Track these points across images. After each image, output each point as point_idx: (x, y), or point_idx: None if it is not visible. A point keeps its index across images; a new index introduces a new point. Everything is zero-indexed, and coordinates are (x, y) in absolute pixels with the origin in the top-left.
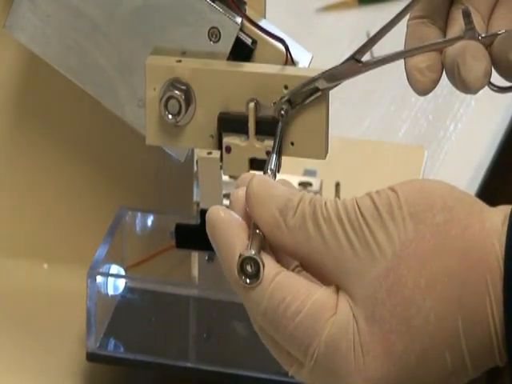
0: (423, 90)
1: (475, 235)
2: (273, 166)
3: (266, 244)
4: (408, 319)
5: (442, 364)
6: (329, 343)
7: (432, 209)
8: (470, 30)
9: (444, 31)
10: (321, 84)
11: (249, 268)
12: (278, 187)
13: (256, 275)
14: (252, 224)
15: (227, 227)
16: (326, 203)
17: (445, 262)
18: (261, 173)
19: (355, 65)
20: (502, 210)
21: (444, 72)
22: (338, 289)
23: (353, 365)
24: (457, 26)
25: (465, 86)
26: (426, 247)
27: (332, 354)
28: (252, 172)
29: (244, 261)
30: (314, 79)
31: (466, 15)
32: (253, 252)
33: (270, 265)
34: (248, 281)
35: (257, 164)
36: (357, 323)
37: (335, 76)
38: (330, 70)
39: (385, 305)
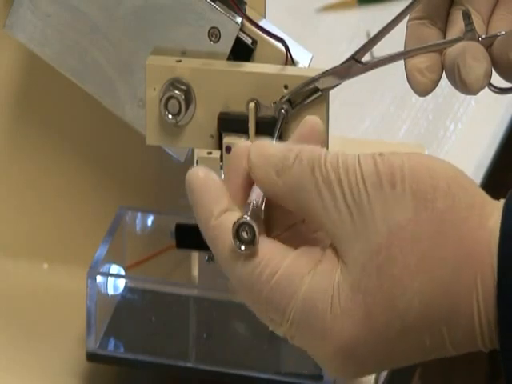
0: (423, 90)
1: (473, 229)
2: None
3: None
4: (392, 298)
5: (422, 344)
6: (305, 301)
7: (435, 191)
8: (470, 32)
9: (444, 32)
10: (321, 84)
11: (245, 234)
12: (275, 146)
13: (252, 241)
14: (252, 192)
15: (204, 190)
16: (325, 161)
17: (438, 249)
18: None
19: (355, 65)
20: (501, 205)
21: (444, 73)
22: (324, 248)
23: (329, 325)
24: (457, 27)
25: (465, 86)
26: (422, 231)
27: (308, 312)
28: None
29: (240, 226)
30: (314, 79)
31: (467, 16)
32: (248, 218)
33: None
34: (243, 247)
35: None
36: (339, 287)
37: (335, 76)
38: (330, 70)
39: (372, 278)
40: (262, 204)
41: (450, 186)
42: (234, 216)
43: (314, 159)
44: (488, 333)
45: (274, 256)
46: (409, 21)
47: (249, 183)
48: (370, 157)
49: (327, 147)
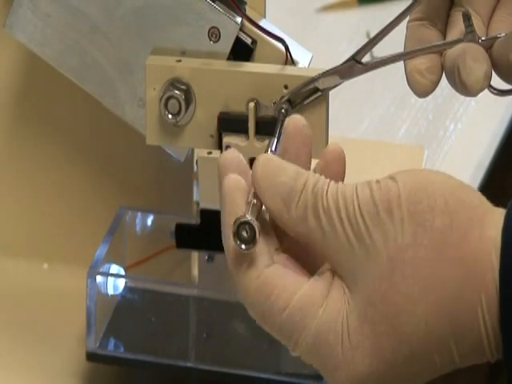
0: (423, 91)
1: (473, 244)
2: None
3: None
4: (398, 325)
5: (431, 364)
6: (317, 334)
7: (432, 210)
8: (470, 33)
9: (444, 33)
10: (321, 84)
11: (244, 233)
12: (283, 171)
13: (252, 240)
14: (251, 191)
15: (232, 199)
16: (327, 192)
17: (440, 270)
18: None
19: (355, 66)
20: (502, 213)
21: (444, 74)
22: (332, 275)
23: (340, 358)
24: (457, 28)
25: (465, 88)
26: (423, 254)
27: (319, 345)
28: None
29: (240, 226)
30: (313, 79)
31: (467, 18)
32: (248, 217)
33: (260, 256)
34: (243, 246)
35: None
36: (348, 318)
37: (335, 77)
38: (330, 70)
39: (377, 308)
40: (261, 205)
41: (447, 202)
42: (260, 246)
43: (318, 191)
44: (495, 344)
45: (286, 287)
46: (409, 22)
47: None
48: (367, 185)
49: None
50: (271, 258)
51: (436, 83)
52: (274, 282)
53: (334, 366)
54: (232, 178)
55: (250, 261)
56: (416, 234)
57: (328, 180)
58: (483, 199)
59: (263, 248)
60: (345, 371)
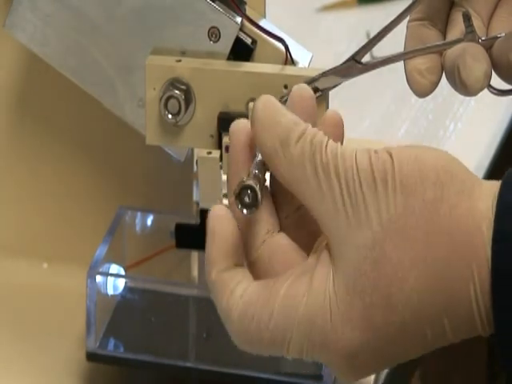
0: (423, 91)
1: (462, 216)
2: None
3: (264, 194)
4: (389, 295)
5: (423, 337)
6: (306, 323)
7: (423, 183)
8: (470, 33)
9: (444, 33)
10: (321, 84)
11: (247, 198)
12: (283, 114)
13: (254, 204)
14: (255, 154)
15: (217, 238)
16: (326, 147)
17: (431, 242)
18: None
19: (355, 66)
20: (494, 185)
21: (444, 74)
22: (320, 252)
23: (331, 335)
24: (457, 28)
25: (465, 87)
26: (414, 225)
27: (310, 330)
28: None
29: (242, 189)
30: (313, 79)
31: (467, 18)
32: (251, 181)
33: (237, 284)
34: (245, 211)
35: None
36: (335, 294)
37: (335, 76)
38: (330, 70)
39: (367, 277)
40: (264, 173)
41: (438, 175)
42: (236, 276)
43: (317, 143)
44: (487, 317)
45: (266, 302)
46: (409, 22)
47: (250, 157)
48: (366, 153)
49: None
50: (248, 278)
51: (436, 83)
52: (252, 304)
53: (325, 347)
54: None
55: (228, 291)
56: (407, 204)
57: (327, 137)
58: (472, 173)
59: (238, 273)
60: (336, 349)
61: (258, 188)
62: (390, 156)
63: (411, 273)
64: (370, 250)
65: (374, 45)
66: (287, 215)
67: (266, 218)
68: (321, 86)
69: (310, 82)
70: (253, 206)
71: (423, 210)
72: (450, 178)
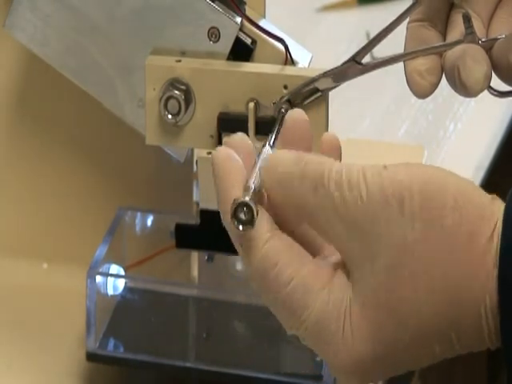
0: (423, 93)
1: (480, 244)
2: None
3: (263, 200)
4: (401, 317)
5: (431, 351)
6: (319, 318)
7: (444, 208)
8: (470, 34)
9: (444, 35)
10: (320, 84)
11: (242, 215)
12: (284, 158)
13: (250, 222)
14: (253, 170)
15: (225, 173)
16: (329, 178)
17: (448, 269)
18: None
19: (355, 66)
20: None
21: (444, 75)
22: (335, 262)
23: (340, 341)
24: (457, 29)
25: (465, 88)
26: (432, 252)
27: (321, 329)
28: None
29: (238, 206)
30: (313, 80)
31: (467, 19)
32: (247, 198)
33: (265, 225)
34: (241, 227)
35: None
36: (350, 305)
37: (335, 77)
38: (330, 70)
39: (380, 298)
40: (261, 188)
41: (456, 200)
42: (263, 215)
43: (318, 177)
44: (495, 331)
45: (291, 260)
46: (409, 23)
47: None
48: (377, 173)
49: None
50: (275, 228)
51: (436, 85)
52: (279, 253)
53: (334, 350)
54: (224, 151)
55: (254, 232)
56: (425, 230)
57: (331, 163)
58: (486, 195)
59: (268, 220)
60: (345, 353)
61: (253, 205)
62: (409, 176)
63: (425, 300)
64: (385, 276)
65: (374, 46)
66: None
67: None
68: (321, 87)
69: (310, 82)
70: (249, 223)
71: (442, 238)
72: (469, 204)
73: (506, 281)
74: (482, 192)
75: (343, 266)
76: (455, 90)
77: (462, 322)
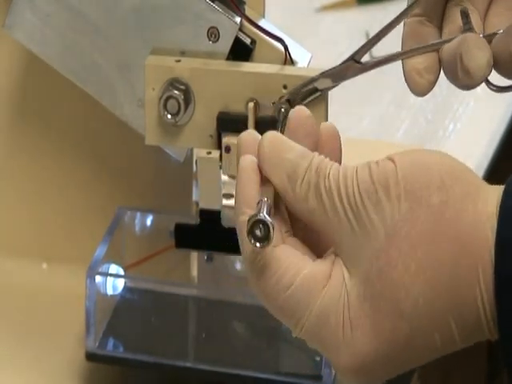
0: (421, 91)
1: (468, 219)
2: None
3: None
4: (396, 302)
5: (431, 342)
6: (319, 316)
7: (428, 188)
8: (468, 30)
9: (440, 29)
10: (320, 84)
11: (258, 232)
12: (289, 148)
13: (266, 238)
14: (262, 185)
15: (247, 181)
16: (329, 174)
17: (436, 246)
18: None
19: (354, 66)
20: (497, 189)
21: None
22: (334, 256)
23: (341, 339)
24: (453, 24)
25: (467, 74)
26: (419, 230)
27: (321, 326)
28: (251, 131)
29: (254, 223)
30: (313, 79)
31: (465, 15)
32: (262, 215)
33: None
34: (258, 244)
35: None
36: (348, 299)
37: (334, 76)
38: (329, 70)
39: (375, 285)
40: (272, 201)
41: (443, 179)
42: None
43: (321, 172)
44: (493, 321)
45: (291, 266)
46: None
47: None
48: (367, 166)
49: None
50: (281, 239)
51: (434, 82)
52: (280, 260)
53: (335, 347)
54: (248, 159)
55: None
56: (412, 210)
57: (332, 162)
58: (475, 175)
59: (275, 227)
60: (346, 351)
61: (270, 222)
62: (393, 162)
63: (417, 278)
64: (375, 259)
65: (374, 45)
66: (299, 229)
67: (278, 226)
68: (320, 86)
69: (310, 82)
70: (265, 239)
71: (429, 215)
72: (455, 182)
73: (501, 277)
74: (467, 169)
75: (340, 261)
76: (455, 82)
77: (458, 305)
